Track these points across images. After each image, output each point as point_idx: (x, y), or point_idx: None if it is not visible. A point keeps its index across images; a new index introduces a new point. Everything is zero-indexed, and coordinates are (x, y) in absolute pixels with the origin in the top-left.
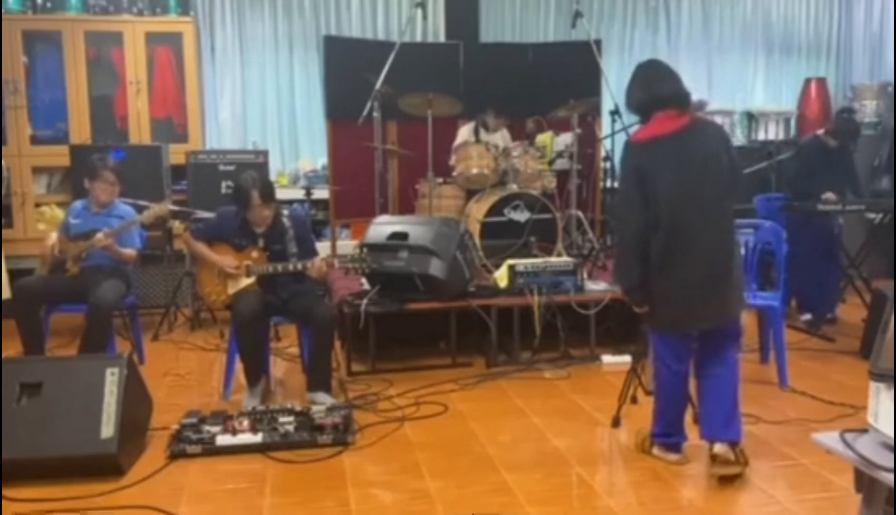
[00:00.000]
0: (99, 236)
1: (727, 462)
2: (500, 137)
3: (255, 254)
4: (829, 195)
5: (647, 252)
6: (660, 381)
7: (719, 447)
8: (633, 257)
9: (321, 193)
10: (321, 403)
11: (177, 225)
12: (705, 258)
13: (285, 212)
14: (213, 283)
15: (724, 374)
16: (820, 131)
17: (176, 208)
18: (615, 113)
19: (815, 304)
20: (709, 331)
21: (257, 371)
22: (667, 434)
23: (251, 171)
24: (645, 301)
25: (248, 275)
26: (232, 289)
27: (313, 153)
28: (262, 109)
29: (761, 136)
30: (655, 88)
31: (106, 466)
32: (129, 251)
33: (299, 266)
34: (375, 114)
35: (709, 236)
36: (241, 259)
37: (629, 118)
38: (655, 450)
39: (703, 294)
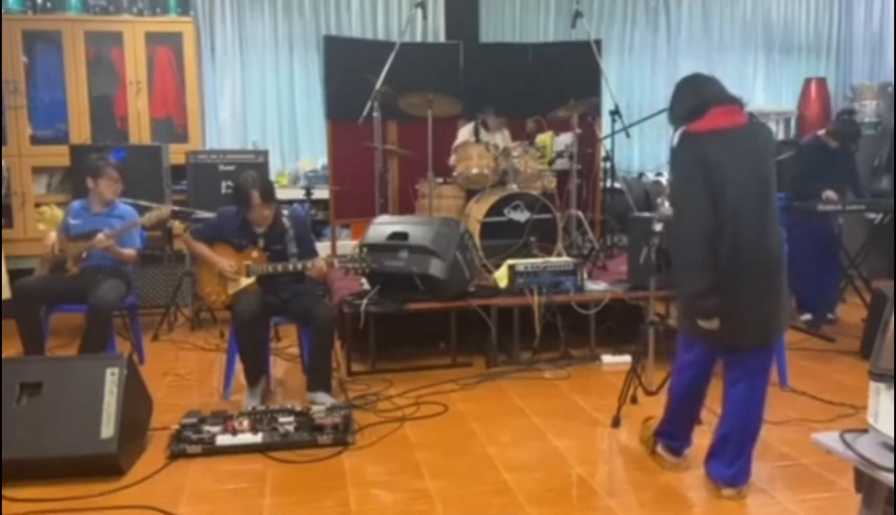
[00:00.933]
0: (100, 236)
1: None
2: (500, 137)
3: (255, 254)
4: (830, 193)
5: (714, 254)
6: (673, 385)
7: (729, 492)
8: (702, 257)
9: (321, 193)
10: (321, 403)
11: (177, 225)
12: (764, 268)
13: (285, 212)
14: (213, 283)
15: (749, 396)
16: (821, 132)
17: (176, 208)
18: (615, 113)
19: (815, 304)
20: (742, 347)
21: (257, 371)
22: (671, 437)
23: (251, 171)
24: (718, 309)
25: (248, 275)
26: (232, 289)
27: (313, 153)
28: (262, 109)
29: None
30: (708, 89)
31: (106, 466)
32: (129, 252)
33: (299, 266)
34: (375, 114)
35: (768, 244)
36: (241, 259)
37: (629, 118)
38: (659, 449)
39: (756, 307)
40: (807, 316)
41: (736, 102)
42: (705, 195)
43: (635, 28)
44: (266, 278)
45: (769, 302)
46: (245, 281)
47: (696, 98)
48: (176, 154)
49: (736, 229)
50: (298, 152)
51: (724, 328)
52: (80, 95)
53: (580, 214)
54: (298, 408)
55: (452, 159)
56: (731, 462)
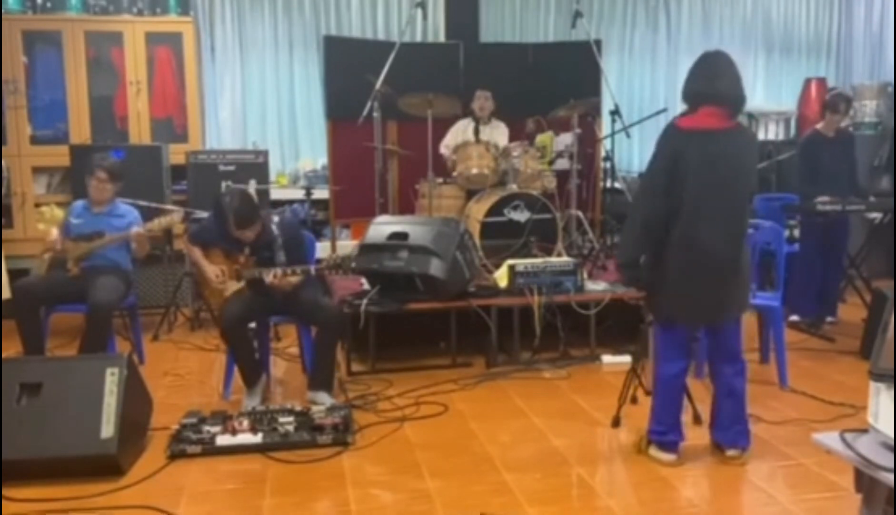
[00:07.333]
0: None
1: (733, 458)
2: (500, 133)
3: (241, 259)
4: (825, 199)
5: (655, 236)
6: (657, 378)
7: (732, 452)
8: (638, 234)
9: (321, 193)
10: (321, 403)
11: (177, 225)
12: (714, 258)
13: (276, 219)
14: (212, 285)
15: (734, 373)
16: (819, 125)
17: (183, 215)
18: (615, 113)
19: (811, 306)
20: (716, 328)
21: (254, 374)
22: (662, 432)
23: (235, 188)
24: (635, 281)
25: (239, 279)
26: (229, 291)
27: (313, 153)
28: (262, 109)
29: (761, 136)
30: (714, 83)
31: (106, 466)
32: (140, 232)
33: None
34: (375, 114)
35: (721, 237)
36: (231, 264)
37: (629, 118)
38: (652, 450)
39: (705, 291)
40: (793, 317)
41: (732, 107)
42: (661, 185)
43: (635, 28)
44: (257, 281)
45: (718, 292)
46: (237, 284)
47: (701, 86)
48: (176, 154)
49: (690, 221)
50: (298, 152)
51: (677, 306)
52: (80, 95)
53: (580, 214)
54: (298, 408)
55: (443, 149)
56: (729, 426)
